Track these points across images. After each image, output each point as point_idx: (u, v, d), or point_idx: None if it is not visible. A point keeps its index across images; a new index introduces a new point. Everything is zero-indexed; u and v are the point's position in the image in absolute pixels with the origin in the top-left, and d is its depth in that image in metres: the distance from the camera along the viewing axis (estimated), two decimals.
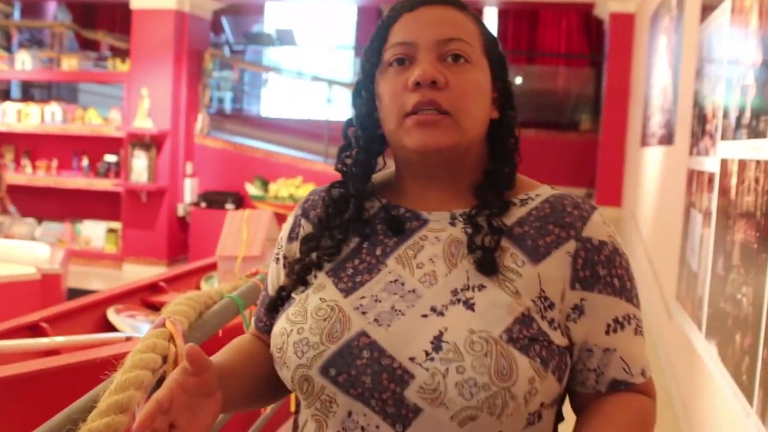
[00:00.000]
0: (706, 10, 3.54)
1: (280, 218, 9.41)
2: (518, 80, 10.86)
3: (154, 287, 3.78)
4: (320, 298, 1.09)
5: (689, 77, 4.05)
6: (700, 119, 3.40)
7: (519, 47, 11.43)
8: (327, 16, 13.10)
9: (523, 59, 11.44)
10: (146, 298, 3.66)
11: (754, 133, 2.37)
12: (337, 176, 1.20)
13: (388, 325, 1.02)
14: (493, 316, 1.00)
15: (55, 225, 9.81)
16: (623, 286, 1.08)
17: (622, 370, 1.08)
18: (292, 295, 1.15)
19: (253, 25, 13.03)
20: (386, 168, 1.23)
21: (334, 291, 1.09)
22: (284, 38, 12.10)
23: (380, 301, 1.05)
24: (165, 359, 1.49)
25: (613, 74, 8.42)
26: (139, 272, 9.05)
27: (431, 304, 1.03)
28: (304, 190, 8.96)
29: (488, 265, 1.04)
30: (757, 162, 2.31)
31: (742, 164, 2.52)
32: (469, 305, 1.02)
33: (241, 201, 9.34)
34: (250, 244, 3.17)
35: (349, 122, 1.20)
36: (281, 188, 9.04)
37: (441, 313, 1.01)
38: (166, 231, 9.33)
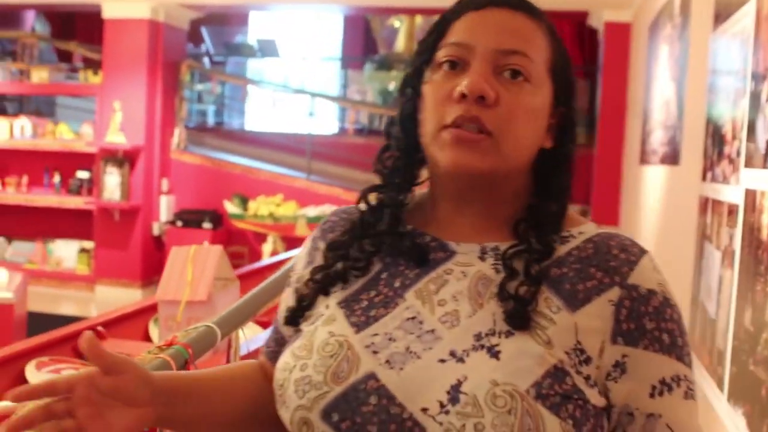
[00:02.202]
0: (720, 17, 3.11)
1: (260, 238, 8.93)
2: None
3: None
4: (329, 332, 0.98)
5: (698, 91, 3.61)
6: (716, 140, 2.96)
7: None
8: (312, 26, 12.70)
9: None
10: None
11: None
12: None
13: (401, 369, 0.91)
14: (521, 368, 0.88)
15: (26, 244, 9.34)
16: (673, 342, 0.94)
17: None
18: (301, 327, 1.04)
19: (236, 36, 12.63)
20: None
21: (345, 325, 0.98)
22: (266, 49, 11.72)
23: (394, 340, 0.94)
24: None
25: (609, 86, 8.04)
26: (112, 295, 8.62)
27: (450, 348, 0.91)
28: (285, 209, 8.52)
29: (520, 319, 0.92)
30: None
31: None
32: (494, 353, 0.90)
33: (219, 220, 8.92)
34: (195, 286, 2.72)
35: (392, 120, 1.08)
36: (261, 206, 8.60)
37: (461, 359, 0.90)
38: (141, 251, 8.89)
